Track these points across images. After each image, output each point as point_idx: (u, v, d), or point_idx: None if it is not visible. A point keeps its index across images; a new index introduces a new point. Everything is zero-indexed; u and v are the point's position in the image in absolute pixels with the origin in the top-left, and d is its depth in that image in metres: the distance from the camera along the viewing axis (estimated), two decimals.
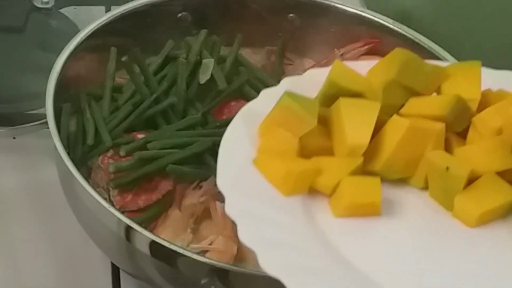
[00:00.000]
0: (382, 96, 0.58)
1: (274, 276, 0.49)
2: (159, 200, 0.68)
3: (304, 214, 0.54)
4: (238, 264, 0.64)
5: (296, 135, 0.56)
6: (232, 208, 0.52)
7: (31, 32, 0.92)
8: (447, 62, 0.71)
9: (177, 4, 0.81)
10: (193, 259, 0.60)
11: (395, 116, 0.57)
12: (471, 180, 0.56)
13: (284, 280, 0.48)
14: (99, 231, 0.66)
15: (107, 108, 0.73)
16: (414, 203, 0.57)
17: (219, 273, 0.59)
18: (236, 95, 0.75)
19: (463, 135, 0.59)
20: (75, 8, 0.95)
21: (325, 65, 0.75)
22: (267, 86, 0.63)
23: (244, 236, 0.51)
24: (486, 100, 0.60)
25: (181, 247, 0.61)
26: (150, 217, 0.68)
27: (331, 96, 0.58)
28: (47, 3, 0.93)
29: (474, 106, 0.59)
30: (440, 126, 0.57)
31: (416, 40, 0.78)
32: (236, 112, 0.59)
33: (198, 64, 0.76)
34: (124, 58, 0.75)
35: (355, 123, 0.56)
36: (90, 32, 0.75)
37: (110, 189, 0.68)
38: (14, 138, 0.82)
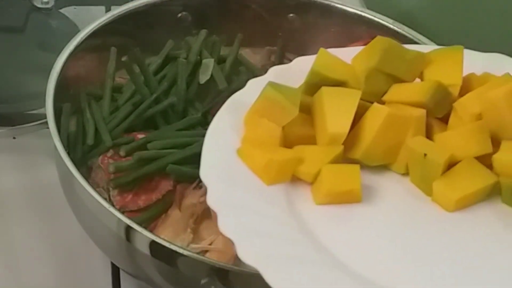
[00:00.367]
0: (364, 84, 0.59)
1: (251, 265, 0.49)
2: (159, 200, 0.68)
3: (286, 203, 0.55)
4: (238, 264, 0.64)
5: (279, 124, 0.57)
6: (213, 198, 0.53)
7: (31, 32, 0.92)
8: (430, 47, 0.71)
9: (177, 4, 0.81)
10: (193, 259, 0.60)
11: (375, 104, 0.58)
12: (451, 165, 0.56)
13: (261, 269, 0.49)
14: (99, 231, 0.66)
15: (107, 108, 0.73)
16: (395, 189, 0.58)
17: (219, 273, 0.59)
18: None
19: (445, 120, 0.60)
20: (75, 8, 0.95)
21: None
22: None
23: (223, 226, 0.52)
24: (469, 84, 0.60)
25: (181, 247, 0.61)
26: (150, 217, 0.68)
27: (315, 85, 0.59)
28: (47, 3, 0.93)
29: (455, 91, 0.60)
30: (420, 112, 0.58)
31: (416, 40, 0.78)
32: None
33: (198, 64, 0.76)
34: (124, 58, 0.75)
35: (336, 112, 0.57)
36: (90, 32, 0.75)
37: (110, 189, 0.68)
38: (14, 138, 0.82)
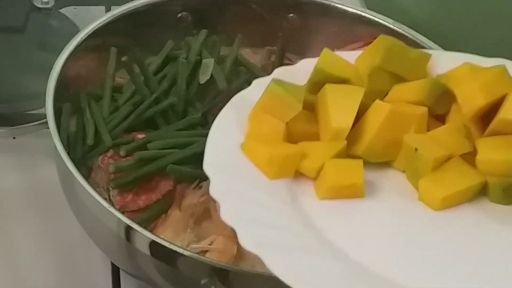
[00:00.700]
0: (367, 82, 0.60)
1: (252, 252, 0.50)
2: (159, 200, 0.68)
3: (289, 196, 0.55)
4: (238, 264, 0.64)
5: (283, 120, 0.57)
6: (216, 189, 0.54)
7: (31, 32, 0.92)
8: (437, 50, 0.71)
9: (177, 4, 0.81)
10: (193, 259, 0.60)
11: (377, 101, 0.58)
12: (444, 162, 0.57)
13: (262, 256, 0.49)
14: (99, 231, 0.66)
15: (107, 108, 0.73)
16: (396, 185, 0.58)
17: (219, 273, 0.59)
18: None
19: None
20: (75, 8, 0.95)
21: None
22: None
23: (226, 214, 0.52)
24: (464, 75, 0.60)
25: (181, 247, 0.61)
26: (150, 217, 0.68)
27: (318, 82, 0.60)
28: (47, 3, 0.93)
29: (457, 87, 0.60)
30: (422, 110, 0.58)
31: (416, 40, 0.78)
32: None
33: (198, 64, 0.76)
34: (124, 58, 0.75)
35: (339, 108, 0.57)
36: (90, 32, 0.75)
37: (110, 189, 0.68)
38: (14, 138, 0.82)
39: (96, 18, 0.77)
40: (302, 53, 0.84)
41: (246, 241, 0.50)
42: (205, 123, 0.73)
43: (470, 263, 0.53)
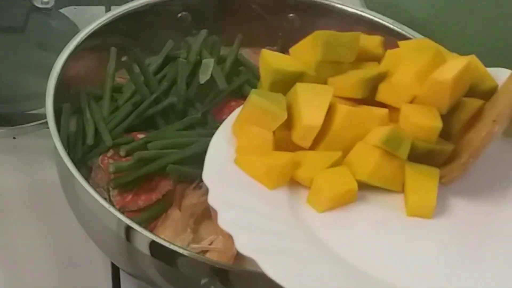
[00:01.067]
0: (315, 74, 0.62)
1: (248, 256, 0.50)
2: (159, 200, 0.68)
3: (287, 203, 0.56)
4: (238, 264, 0.64)
5: (269, 130, 0.59)
6: (214, 197, 0.54)
7: (31, 32, 0.92)
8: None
9: (177, 4, 0.81)
10: (193, 259, 0.60)
11: (337, 104, 0.59)
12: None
13: (258, 260, 0.50)
14: (99, 231, 0.66)
15: (107, 108, 0.73)
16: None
17: (219, 273, 0.59)
18: (236, 95, 0.75)
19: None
20: (75, 8, 0.95)
21: None
22: None
23: (222, 221, 0.53)
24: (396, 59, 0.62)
25: (181, 247, 0.61)
26: (150, 217, 0.68)
27: (279, 82, 0.61)
28: (47, 3, 0.93)
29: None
30: (382, 112, 0.59)
31: None
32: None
33: (198, 64, 0.76)
34: (124, 58, 0.75)
35: (310, 106, 0.59)
36: (90, 32, 0.75)
37: (110, 189, 0.68)
38: (14, 138, 0.82)
39: (96, 18, 0.77)
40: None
41: (242, 247, 0.51)
42: (205, 123, 0.73)
43: (469, 267, 0.54)
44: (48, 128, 0.66)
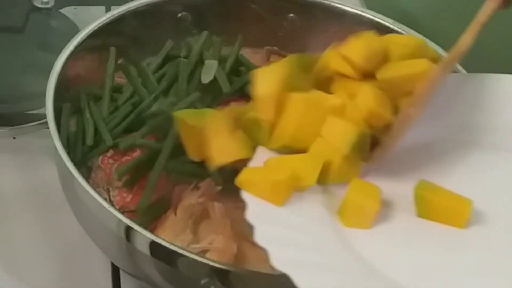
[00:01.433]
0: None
1: (283, 272, 0.50)
2: (159, 200, 0.68)
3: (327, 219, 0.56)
4: (238, 264, 0.64)
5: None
6: (251, 213, 0.54)
7: (31, 32, 0.92)
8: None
9: (177, 4, 0.81)
10: (193, 259, 0.60)
11: (293, 94, 0.60)
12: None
13: (293, 276, 0.50)
14: (99, 231, 0.66)
15: (106, 108, 0.73)
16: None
17: (219, 273, 0.59)
18: (236, 95, 0.75)
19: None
20: (75, 8, 0.95)
21: None
22: None
23: (258, 237, 0.52)
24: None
25: (181, 247, 0.61)
26: (150, 217, 0.68)
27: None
28: (47, 3, 0.93)
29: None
30: (336, 101, 0.60)
31: None
32: None
33: (198, 64, 0.76)
34: (120, 61, 0.75)
35: (263, 81, 0.60)
36: (90, 32, 0.75)
37: (110, 189, 0.68)
38: (14, 138, 0.82)
39: (96, 18, 0.77)
40: (302, 53, 0.84)
41: (278, 262, 0.51)
42: None
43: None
44: (48, 128, 0.66)
